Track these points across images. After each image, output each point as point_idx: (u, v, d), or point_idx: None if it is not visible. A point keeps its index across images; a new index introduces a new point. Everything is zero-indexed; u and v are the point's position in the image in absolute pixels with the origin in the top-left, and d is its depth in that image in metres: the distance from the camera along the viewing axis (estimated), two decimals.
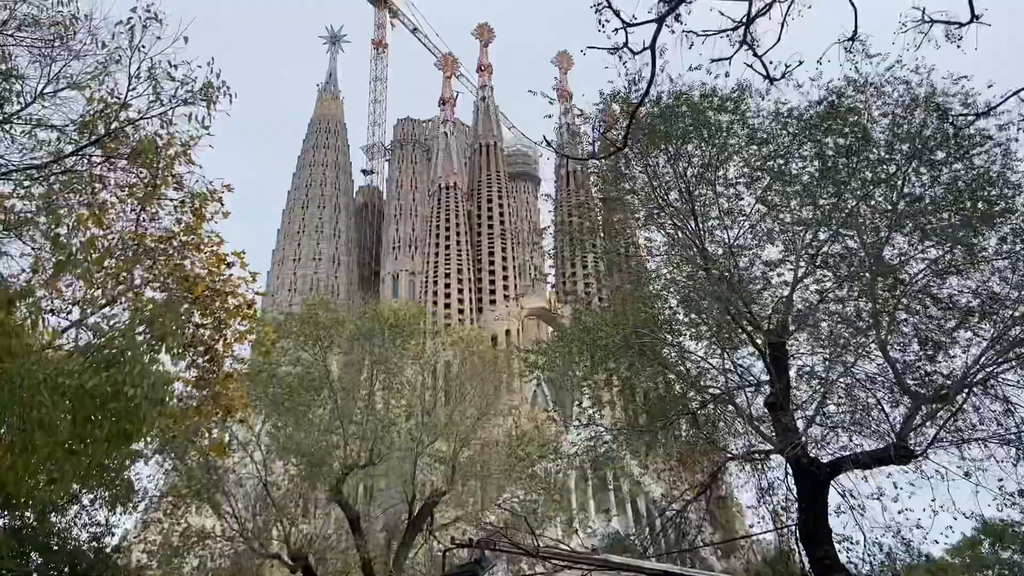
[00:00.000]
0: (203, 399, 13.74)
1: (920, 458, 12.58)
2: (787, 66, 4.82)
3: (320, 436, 19.31)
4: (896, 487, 13.25)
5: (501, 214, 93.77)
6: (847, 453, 12.79)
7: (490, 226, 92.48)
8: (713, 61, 4.81)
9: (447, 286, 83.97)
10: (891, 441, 12.37)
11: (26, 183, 6.38)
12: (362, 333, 20.46)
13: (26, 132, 6.80)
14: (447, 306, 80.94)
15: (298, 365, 20.40)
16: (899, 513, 13.08)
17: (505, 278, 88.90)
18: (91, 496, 17.35)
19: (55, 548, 16.57)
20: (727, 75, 12.30)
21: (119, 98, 6.46)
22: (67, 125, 6.72)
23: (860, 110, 12.69)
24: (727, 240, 12.67)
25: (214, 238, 12.80)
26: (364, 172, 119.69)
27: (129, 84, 6.54)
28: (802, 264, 12.71)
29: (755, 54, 4.66)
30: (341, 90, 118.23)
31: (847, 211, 12.37)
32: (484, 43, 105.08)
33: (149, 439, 17.79)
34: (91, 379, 5.74)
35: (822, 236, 13.17)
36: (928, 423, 12.60)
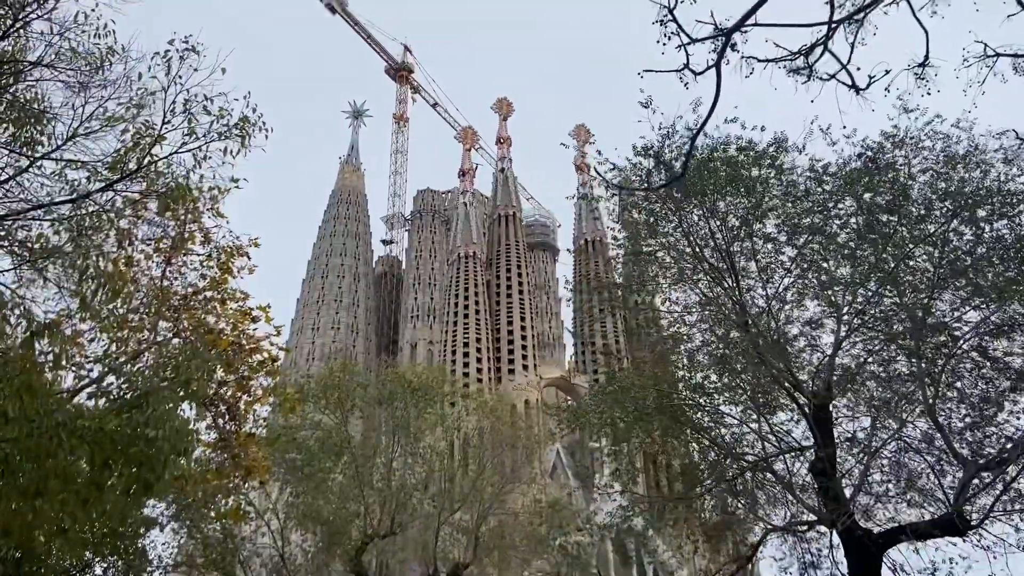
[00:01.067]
0: (223, 460, 13.31)
1: (976, 529, 11.84)
2: (871, 77, 4.54)
3: (340, 504, 18.69)
4: (950, 561, 12.45)
5: (520, 283, 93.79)
6: (896, 524, 12.07)
7: (509, 295, 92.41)
8: (793, 56, 4.50)
9: (466, 355, 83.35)
10: (945, 511, 11.67)
11: (52, 222, 6.18)
12: (383, 397, 20.00)
13: (56, 172, 6.63)
14: (466, 375, 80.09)
15: (318, 430, 19.94)
16: None
17: (524, 348, 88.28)
18: (103, 566, 16.76)
19: None
20: (763, 128, 12.15)
21: (153, 131, 6.31)
22: (98, 161, 6.57)
23: (898, 167, 12.43)
24: (766, 296, 12.27)
25: (238, 294, 12.59)
26: (384, 242, 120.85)
27: (164, 118, 6.40)
28: (844, 323, 12.26)
29: (839, 61, 4.40)
30: (362, 162, 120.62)
31: (888, 271, 11.98)
32: (503, 116, 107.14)
33: (166, 499, 17.28)
34: (111, 421, 5.39)
35: (862, 296, 12.76)
36: (983, 491, 11.92)
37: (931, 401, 12.24)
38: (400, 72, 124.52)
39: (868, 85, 4.44)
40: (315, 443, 19.41)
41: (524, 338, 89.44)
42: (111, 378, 6.09)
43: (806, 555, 14.98)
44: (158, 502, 15.56)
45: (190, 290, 12.18)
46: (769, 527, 14.78)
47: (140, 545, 17.01)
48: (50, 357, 5.20)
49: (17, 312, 5.00)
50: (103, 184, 6.29)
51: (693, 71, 4.43)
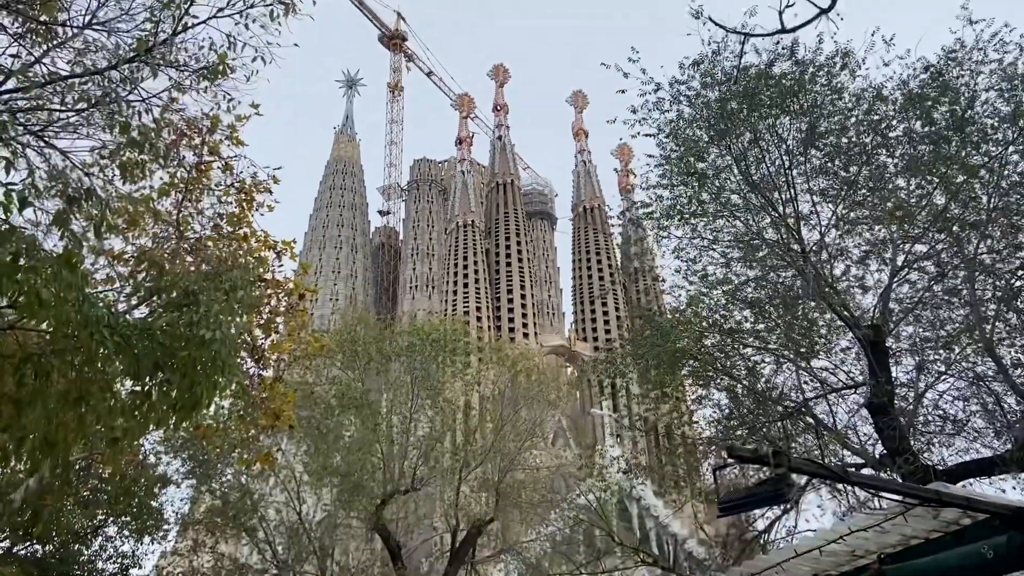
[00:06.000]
0: (249, 405, 12.67)
1: None
2: None
3: (359, 459, 18.12)
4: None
5: (519, 252, 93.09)
6: (962, 462, 11.54)
7: (508, 264, 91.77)
8: None
9: (466, 324, 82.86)
10: (1008, 449, 11.15)
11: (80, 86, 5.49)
12: (402, 350, 19.36)
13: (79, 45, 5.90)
14: (467, 344, 79.80)
15: (335, 385, 19.36)
16: None
17: (524, 316, 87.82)
18: (116, 526, 16.24)
19: None
20: (820, 42, 11.40)
21: None
22: (125, 32, 5.85)
23: (960, 86, 11.71)
24: (820, 225, 11.60)
25: (259, 233, 11.87)
26: (381, 213, 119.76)
27: None
28: (902, 250, 11.62)
29: None
30: (357, 132, 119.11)
31: (953, 190, 11.31)
32: (500, 83, 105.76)
33: (182, 455, 16.68)
34: (159, 319, 4.73)
35: (919, 225, 12.14)
36: None
37: (989, 337, 11.69)
38: (393, 40, 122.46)
39: None
40: (333, 398, 18.84)
41: (524, 306, 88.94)
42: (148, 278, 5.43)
43: (842, 501, 14.50)
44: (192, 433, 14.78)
45: (209, 225, 11.46)
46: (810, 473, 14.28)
47: (154, 505, 16.51)
48: (89, 235, 4.54)
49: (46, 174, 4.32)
50: (131, 55, 5.58)
51: None
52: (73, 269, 4.11)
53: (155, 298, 5.23)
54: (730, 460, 2.86)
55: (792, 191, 11.12)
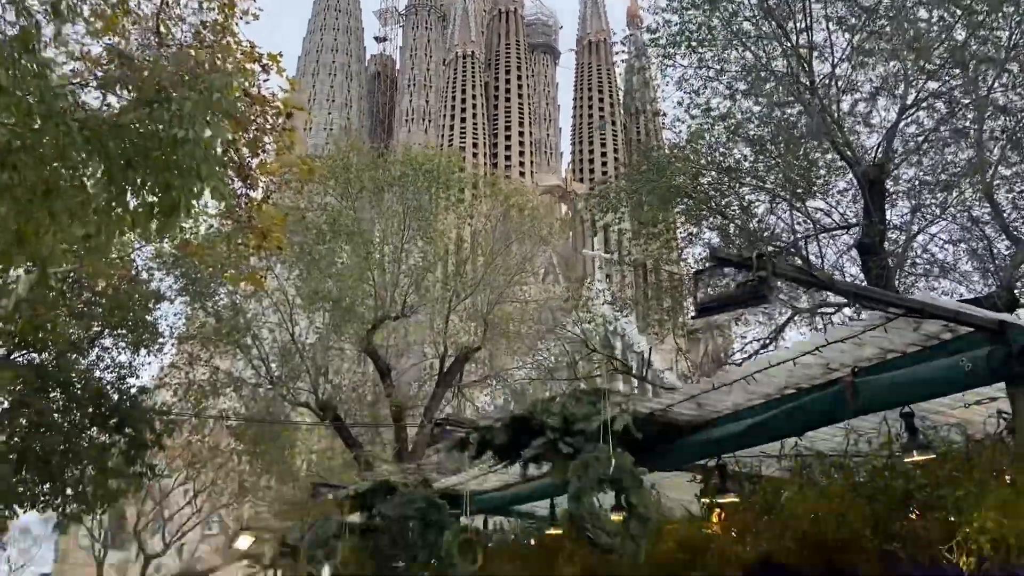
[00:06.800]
0: (236, 225, 12.58)
1: None
2: None
3: (350, 284, 18.31)
4: None
5: (519, 87, 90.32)
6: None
7: (507, 99, 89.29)
8: None
9: (462, 159, 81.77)
10: (995, 289, 11.28)
11: None
12: (394, 179, 19.09)
13: None
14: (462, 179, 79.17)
15: (326, 211, 19.24)
16: None
17: (522, 154, 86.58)
18: (112, 338, 16.57)
19: (78, 388, 15.89)
20: None
21: None
22: None
23: None
24: (832, 57, 11.10)
25: (244, 44, 11.26)
26: (377, 39, 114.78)
27: None
28: (913, 87, 11.20)
29: None
30: None
31: (974, 23, 10.74)
32: None
33: (174, 272, 16.81)
34: (128, 114, 4.49)
35: (934, 62, 11.63)
36: None
37: (990, 181, 11.52)
38: None
39: None
40: (324, 224, 18.77)
41: (522, 144, 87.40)
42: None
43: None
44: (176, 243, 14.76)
45: (191, 32, 10.85)
46: (795, 309, 14.53)
47: (149, 318, 16.81)
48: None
49: None
50: None
51: None
52: (32, 53, 3.82)
53: (125, 91, 4.95)
54: (712, 263, 2.76)
55: (808, 19, 10.53)
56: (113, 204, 4.86)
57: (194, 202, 5.49)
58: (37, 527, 47.75)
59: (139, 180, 4.69)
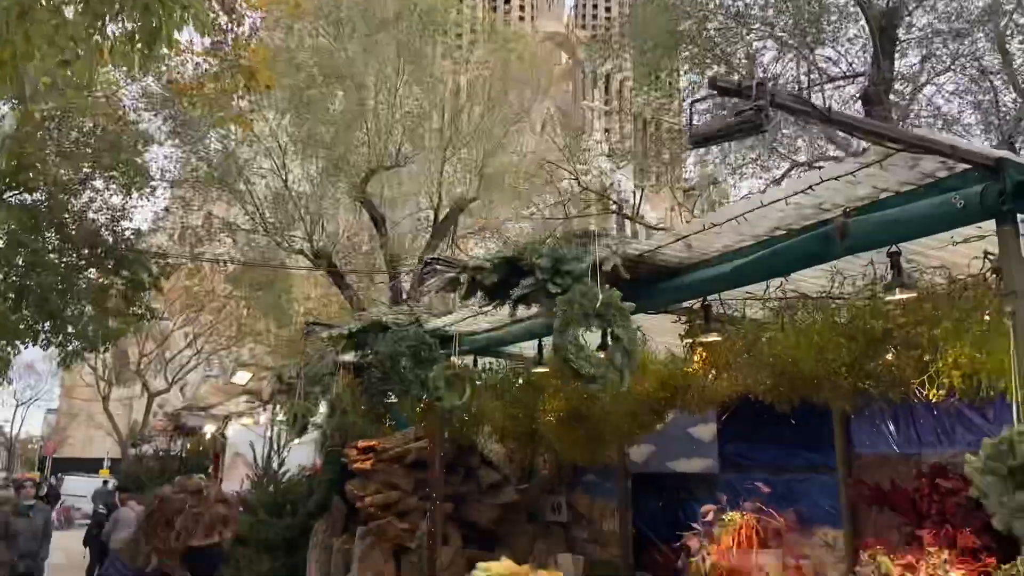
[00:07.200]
0: (223, 64, 12.18)
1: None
2: None
3: (343, 131, 17.94)
4: None
5: None
6: None
7: None
8: None
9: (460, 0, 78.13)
10: (997, 142, 11.14)
11: None
12: (387, 19, 18.27)
13: None
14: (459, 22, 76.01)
15: (316, 53, 18.55)
16: None
17: None
18: (103, 179, 16.40)
19: (71, 228, 15.89)
20: None
21: None
22: None
23: None
24: None
25: None
26: None
27: None
28: None
29: None
30: None
31: None
32: None
33: (162, 113, 16.43)
34: None
35: None
36: None
37: (1003, 30, 11.12)
38: None
39: None
40: (315, 67, 18.15)
41: None
42: None
43: None
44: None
45: None
46: (793, 162, 14.41)
47: (139, 161, 16.58)
48: None
49: None
50: None
51: None
52: None
53: None
54: (710, 92, 2.67)
55: None
56: (91, 31, 4.65)
57: (176, 33, 5.26)
58: (41, 364, 49.39)
59: (117, 4, 4.46)
